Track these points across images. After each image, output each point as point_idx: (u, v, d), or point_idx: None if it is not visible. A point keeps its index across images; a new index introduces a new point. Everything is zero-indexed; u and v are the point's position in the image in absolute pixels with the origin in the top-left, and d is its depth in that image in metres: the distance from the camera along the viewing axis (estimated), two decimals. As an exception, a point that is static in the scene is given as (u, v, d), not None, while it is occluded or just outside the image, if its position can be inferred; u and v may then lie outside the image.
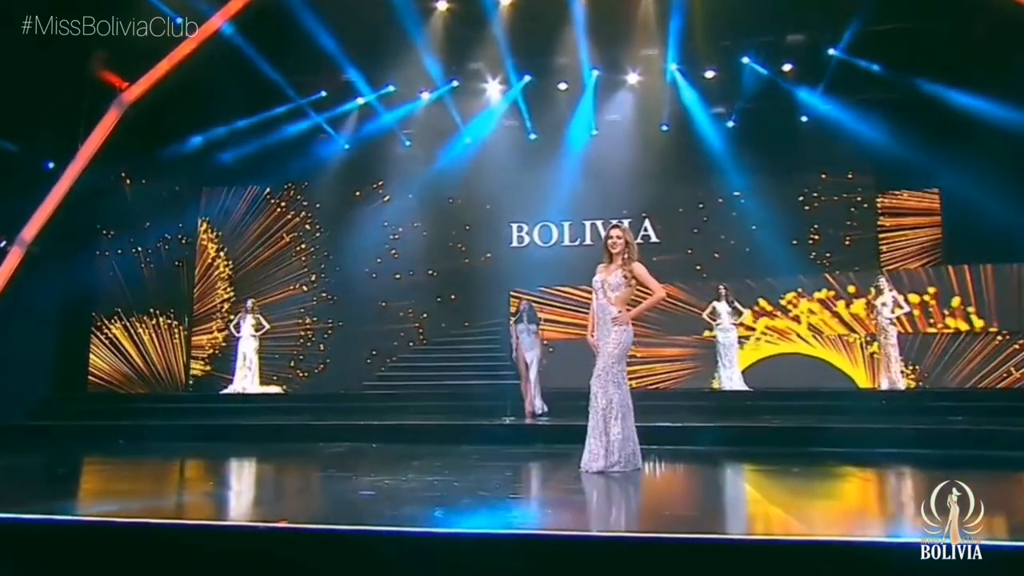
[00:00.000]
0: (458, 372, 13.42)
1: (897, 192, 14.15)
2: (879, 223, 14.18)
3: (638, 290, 5.87)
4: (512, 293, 13.62)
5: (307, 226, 15.12)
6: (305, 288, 14.87)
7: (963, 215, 12.61)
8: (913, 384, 11.63)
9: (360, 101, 14.08)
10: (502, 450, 7.57)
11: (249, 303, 12.69)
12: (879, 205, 14.22)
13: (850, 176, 14.24)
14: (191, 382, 14.23)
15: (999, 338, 11.72)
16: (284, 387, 13.32)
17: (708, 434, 8.02)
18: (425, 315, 14.86)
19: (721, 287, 11.86)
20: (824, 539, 3.21)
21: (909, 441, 7.55)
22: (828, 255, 14.00)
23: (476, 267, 14.86)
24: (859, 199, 14.25)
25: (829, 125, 13.33)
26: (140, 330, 13.74)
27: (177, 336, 14.16)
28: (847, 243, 14.08)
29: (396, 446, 8.08)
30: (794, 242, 13.98)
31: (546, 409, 9.64)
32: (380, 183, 15.02)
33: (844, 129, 13.15)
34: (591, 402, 5.72)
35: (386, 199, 15.02)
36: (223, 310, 14.59)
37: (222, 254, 14.98)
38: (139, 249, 13.79)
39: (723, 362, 11.56)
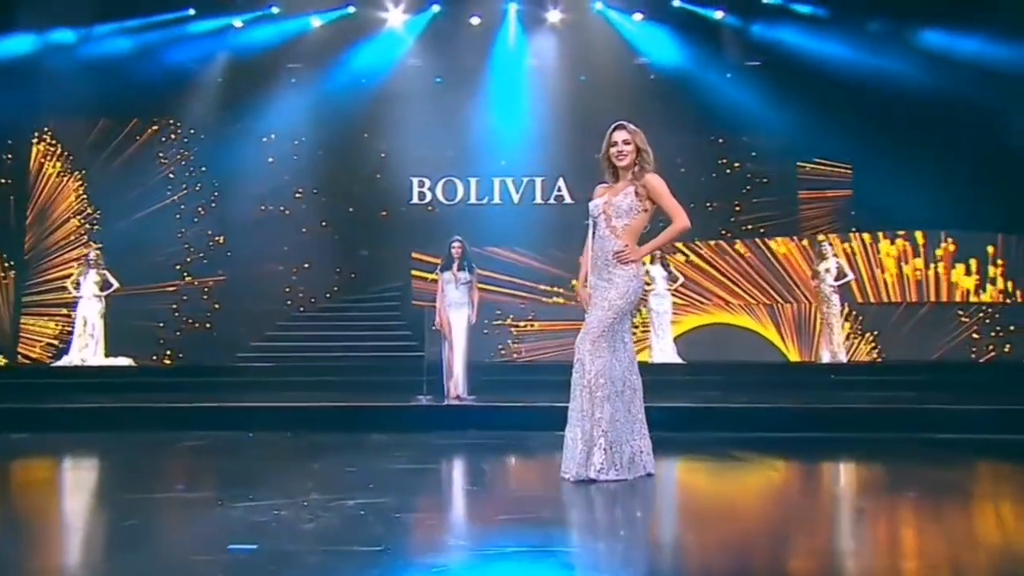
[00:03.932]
0: (355, 343, 11.07)
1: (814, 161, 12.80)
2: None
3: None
4: (414, 255, 11.45)
5: (170, 169, 12.13)
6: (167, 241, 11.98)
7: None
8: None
9: (237, 24, 11.37)
10: (428, 441, 5.48)
11: (92, 255, 9.81)
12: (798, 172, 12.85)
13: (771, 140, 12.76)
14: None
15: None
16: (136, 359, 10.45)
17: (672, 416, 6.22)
18: (313, 276, 12.33)
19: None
20: None
21: (908, 423, 6.08)
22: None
23: (372, 224, 12.43)
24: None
25: (758, 83, 11.76)
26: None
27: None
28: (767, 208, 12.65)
29: (281, 435, 5.81)
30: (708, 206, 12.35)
31: (470, 397, 7.20)
32: (257, 122, 12.19)
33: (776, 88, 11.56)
34: (574, 372, 3.77)
35: (264, 141, 12.26)
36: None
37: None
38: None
39: (656, 332, 9.89)
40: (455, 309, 7.28)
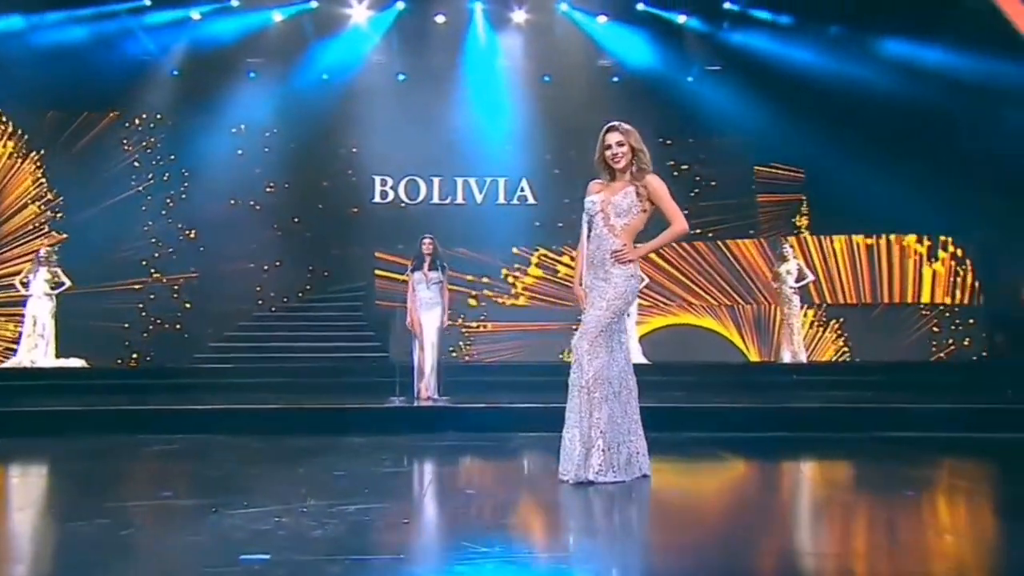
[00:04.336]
0: (319, 343, 10.82)
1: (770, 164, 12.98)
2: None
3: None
4: (378, 254, 11.28)
5: (135, 157, 11.60)
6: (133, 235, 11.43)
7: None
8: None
9: (195, 16, 11.01)
10: (406, 443, 5.38)
11: (43, 252, 9.38)
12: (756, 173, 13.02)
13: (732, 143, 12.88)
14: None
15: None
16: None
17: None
18: (277, 274, 12.00)
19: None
20: None
21: (870, 422, 6.20)
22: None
23: (339, 222, 12.15)
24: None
25: (719, 87, 11.91)
26: None
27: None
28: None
29: (250, 438, 5.60)
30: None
31: (443, 398, 7.16)
32: (222, 115, 11.79)
33: (735, 92, 11.72)
34: (572, 372, 3.72)
35: (233, 132, 11.85)
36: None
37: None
38: None
39: (622, 332, 9.90)
40: (427, 309, 7.21)
